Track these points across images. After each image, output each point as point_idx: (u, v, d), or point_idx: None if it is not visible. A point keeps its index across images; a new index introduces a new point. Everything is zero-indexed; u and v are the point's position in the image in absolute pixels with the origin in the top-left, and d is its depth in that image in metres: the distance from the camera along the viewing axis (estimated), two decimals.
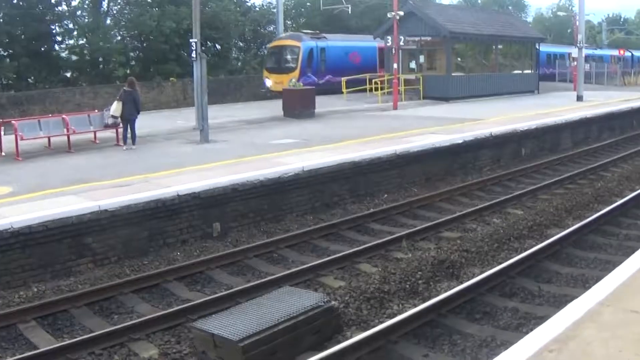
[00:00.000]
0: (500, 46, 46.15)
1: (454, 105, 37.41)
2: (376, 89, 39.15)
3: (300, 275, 13.00)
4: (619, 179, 21.20)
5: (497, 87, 43.70)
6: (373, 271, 13.00)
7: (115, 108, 22.37)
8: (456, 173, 22.49)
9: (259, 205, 16.83)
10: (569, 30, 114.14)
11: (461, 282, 12.11)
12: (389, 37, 36.18)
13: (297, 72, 43.06)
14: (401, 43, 35.80)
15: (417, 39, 41.26)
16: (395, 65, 35.93)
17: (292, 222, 17.09)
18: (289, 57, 44.48)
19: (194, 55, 23.63)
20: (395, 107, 34.87)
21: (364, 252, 14.20)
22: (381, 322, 10.40)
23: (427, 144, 21.39)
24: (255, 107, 35.66)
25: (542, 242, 14.15)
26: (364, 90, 40.67)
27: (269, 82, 44.73)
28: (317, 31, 49.56)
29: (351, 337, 9.85)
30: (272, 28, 58.44)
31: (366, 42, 47.46)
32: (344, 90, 40.47)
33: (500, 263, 12.92)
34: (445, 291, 11.57)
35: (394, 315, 10.76)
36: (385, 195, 19.55)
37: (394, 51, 35.94)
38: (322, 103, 35.45)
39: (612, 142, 30.74)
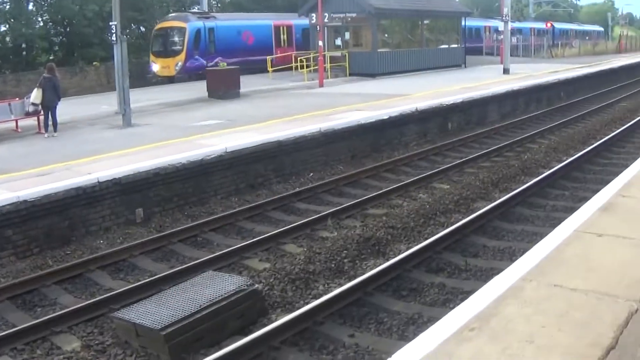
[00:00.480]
0: (426, 21, 46.11)
1: (380, 82, 37.33)
2: (302, 67, 38.77)
3: (224, 259, 12.70)
4: (545, 150, 21.27)
5: (424, 62, 43.82)
6: (298, 251, 12.76)
7: (35, 95, 21.73)
8: (382, 149, 22.34)
9: (182, 189, 16.49)
10: (496, 4, 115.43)
11: (387, 259, 11.96)
12: (314, 15, 35.77)
13: (183, 55, 41.55)
14: (325, 20, 35.41)
15: (342, 15, 40.97)
16: (320, 43, 35.61)
17: (216, 205, 16.77)
18: (175, 39, 42.41)
19: (114, 38, 23.07)
20: (321, 85, 34.62)
21: (289, 233, 13.95)
22: (306, 304, 10.21)
23: (353, 121, 21.21)
24: (179, 89, 35.00)
25: (468, 215, 14.10)
26: (290, 69, 40.30)
27: (155, 67, 42.23)
28: (207, 10, 49.03)
29: (276, 319, 9.68)
30: (197, 8, 57.48)
31: (261, 20, 47.08)
32: (269, 69, 40.05)
33: (427, 238, 12.81)
34: (372, 269, 11.42)
35: (320, 295, 10.57)
36: (311, 174, 19.33)
37: (318, 28, 35.53)
38: (247, 83, 35.02)
39: (540, 114, 30.91)
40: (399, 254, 12.15)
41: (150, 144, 18.64)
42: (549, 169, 18.24)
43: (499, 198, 15.49)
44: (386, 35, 43.35)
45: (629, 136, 24.20)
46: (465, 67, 47.76)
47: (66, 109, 24.15)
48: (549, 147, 21.90)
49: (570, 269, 7.25)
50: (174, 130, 21.07)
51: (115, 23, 22.88)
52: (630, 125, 25.80)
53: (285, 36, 47.45)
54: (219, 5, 70.46)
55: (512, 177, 17.88)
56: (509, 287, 6.74)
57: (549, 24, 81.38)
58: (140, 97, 30.25)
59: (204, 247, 14.02)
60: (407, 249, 12.39)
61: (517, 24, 77.34)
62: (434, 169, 19.36)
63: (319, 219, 14.65)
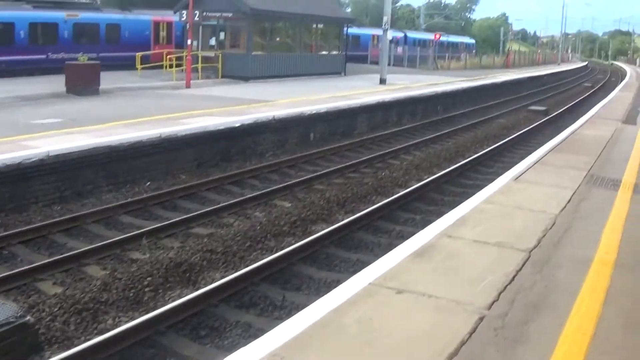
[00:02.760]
0: (305, 26, 45.00)
1: (251, 86, 36.13)
2: (170, 66, 37.32)
3: (16, 279, 11.29)
4: (407, 167, 20.38)
5: (302, 67, 42.84)
6: (99, 275, 11.43)
7: None
8: (234, 159, 21.12)
9: None
10: None
11: (196, 289, 10.77)
12: (184, 12, 34.37)
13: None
14: (196, 18, 34.06)
15: (218, 14, 39.66)
16: (189, 42, 34.23)
17: (36, 214, 15.24)
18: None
19: None
20: (187, 86, 33.26)
21: (98, 252, 12.52)
22: (87, 340, 8.95)
23: (199, 127, 19.89)
24: (43, 81, 33.00)
25: (301, 240, 13.05)
26: (162, 67, 38.82)
27: None
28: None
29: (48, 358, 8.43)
30: None
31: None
32: (138, 66, 38.46)
33: (248, 265, 11.65)
34: (174, 301, 10.22)
35: (106, 331, 9.30)
36: (149, 183, 17.95)
37: (188, 26, 34.16)
38: (114, 79, 33.66)
39: (411, 128, 30.26)
40: (211, 283, 10.99)
41: None
42: (405, 189, 17.38)
43: (342, 220, 14.50)
44: (263, 37, 42.01)
45: (500, 155, 23.59)
46: (345, 75, 47.03)
47: None
48: (411, 164, 21.01)
49: (345, 342, 6.09)
50: (10, 127, 19.37)
51: None
52: (503, 144, 25.29)
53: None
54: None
55: (363, 197, 16.86)
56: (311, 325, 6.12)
57: (437, 36, 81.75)
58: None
59: (6, 263, 12.57)
60: (222, 277, 11.23)
61: (413, 35, 77.63)
62: (281, 183, 18.27)
63: (135, 237, 13.33)
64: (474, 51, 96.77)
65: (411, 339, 6.19)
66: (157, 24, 45.35)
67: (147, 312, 9.86)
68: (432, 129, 30.40)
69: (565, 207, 11.45)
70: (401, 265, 8.09)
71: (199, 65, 37.77)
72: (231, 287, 10.60)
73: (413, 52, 71.09)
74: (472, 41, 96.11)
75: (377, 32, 67.33)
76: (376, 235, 14.02)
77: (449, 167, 20.14)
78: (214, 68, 38.96)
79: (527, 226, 10.04)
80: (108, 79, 32.14)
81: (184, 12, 34.29)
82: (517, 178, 13.87)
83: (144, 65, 38.43)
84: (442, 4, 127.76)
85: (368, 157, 22.34)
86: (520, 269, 8.13)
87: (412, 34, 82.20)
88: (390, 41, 47.05)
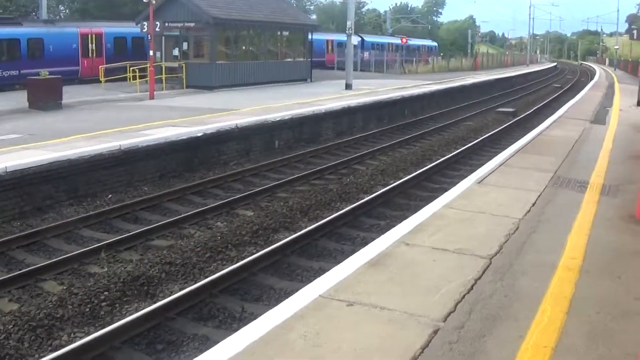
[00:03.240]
0: (269, 33, 44.85)
1: (215, 95, 35.93)
2: (134, 78, 37.09)
3: None
4: (372, 172, 20.27)
5: (266, 75, 42.67)
6: (56, 291, 11.25)
7: None
8: (197, 169, 20.96)
9: None
10: (355, 19, 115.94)
11: (155, 302, 10.64)
12: (145, 23, 34.12)
13: None
14: (157, 29, 33.85)
15: (180, 25, 39.44)
16: (151, 53, 33.99)
17: None
18: None
19: None
20: (151, 97, 33.02)
21: (55, 267, 12.35)
22: (40, 358, 8.83)
23: (160, 138, 19.71)
24: (6, 98, 32.51)
25: (262, 249, 12.94)
26: (125, 79, 38.52)
27: None
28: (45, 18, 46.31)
29: None
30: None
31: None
32: (101, 79, 38.20)
33: (208, 277, 11.53)
34: (130, 315, 10.10)
35: (60, 347, 9.15)
36: (110, 196, 17.75)
37: (149, 37, 33.94)
38: (78, 93, 33.57)
39: (377, 132, 30.12)
40: (169, 295, 10.87)
41: None
42: (370, 194, 17.28)
43: (305, 228, 14.39)
44: (227, 46, 41.82)
45: (467, 158, 23.42)
46: (311, 81, 46.94)
47: None
48: (377, 169, 20.92)
49: (289, 359, 5.92)
50: None
51: None
52: (470, 146, 25.18)
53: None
54: (67, 12, 67.95)
55: (327, 204, 16.74)
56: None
57: (404, 40, 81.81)
58: None
59: None
60: (180, 289, 11.10)
61: (371, 38, 77.62)
62: (244, 192, 18.14)
63: (94, 251, 13.17)
64: (437, 54, 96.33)
65: (360, 355, 5.98)
66: (85, 37, 42.70)
67: (103, 327, 9.72)
68: (399, 133, 30.33)
69: (529, 210, 11.22)
70: (355, 276, 7.83)
71: (163, 76, 37.55)
72: (189, 299, 10.46)
73: (378, 57, 71.07)
74: (434, 44, 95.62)
75: (333, 37, 67.72)
76: (339, 242, 13.87)
77: (415, 172, 20.02)
78: (179, 78, 38.75)
79: (489, 232, 9.76)
80: (72, 92, 32.01)
81: (145, 23, 34.00)
82: (480, 181, 13.59)
83: (107, 78, 38.20)
84: (409, 8, 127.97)
85: (333, 163, 22.20)
86: (480, 276, 7.87)
87: (370, 38, 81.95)
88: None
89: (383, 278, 7.77)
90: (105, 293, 10.83)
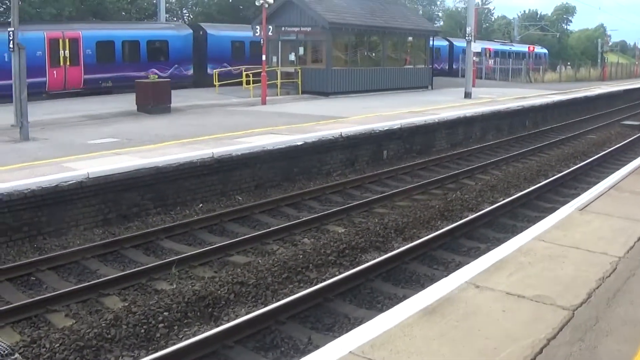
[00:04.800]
0: (388, 39, 43.76)
1: (329, 101, 35.09)
2: (248, 83, 36.67)
3: (25, 311, 10.52)
4: (481, 188, 18.92)
5: (385, 82, 41.59)
6: (115, 308, 10.51)
7: None
8: (296, 178, 20.06)
9: (34, 218, 14.28)
10: (484, 26, 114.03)
11: (218, 326, 9.78)
12: (258, 27, 33.57)
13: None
14: (270, 33, 33.26)
15: (296, 29, 38.82)
16: (263, 57, 33.44)
17: (76, 237, 14.53)
18: None
19: (11, 45, 20.87)
20: (263, 102, 32.43)
21: (121, 281, 11.70)
22: None
23: (257, 146, 18.87)
24: (117, 100, 32.64)
25: (345, 271, 11.90)
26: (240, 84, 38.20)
27: None
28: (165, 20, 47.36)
29: None
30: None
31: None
32: (215, 83, 37.96)
33: (279, 300, 10.58)
34: (187, 339, 9.26)
35: None
36: (201, 205, 17.06)
37: (262, 42, 33.39)
38: (190, 97, 33.39)
39: (494, 144, 28.65)
40: (234, 319, 9.98)
41: (20, 164, 16.46)
42: (475, 213, 16.02)
43: (396, 249, 13.24)
44: (344, 52, 40.92)
45: (585, 174, 21.75)
46: (432, 88, 45.60)
47: None
48: (487, 184, 19.56)
49: None
50: (64, 148, 18.85)
51: (13, 29, 20.64)
52: (589, 162, 23.48)
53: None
54: (190, 16, 68.67)
55: (426, 222, 15.50)
56: None
57: (531, 48, 79.23)
58: (69, 107, 29.07)
59: (31, 290, 11.87)
60: (247, 313, 10.20)
61: (497, 46, 75.38)
62: (339, 206, 17.17)
63: (164, 265, 12.43)
64: (546, 62, 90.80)
65: None
66: (53, 42, 35.52)
67: (154, 351, 8.92)
68: (517, 146, 28.76)
69: (633, 246, 9.37)
70: (401, 327, 6.47)
71: (278, 81, 36.98)
72: (252, 325, 9.52)
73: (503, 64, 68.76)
74: (544, 50, 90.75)
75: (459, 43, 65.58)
76: (431, 267, 12.68)
77: (527, 188, 18.57)
78: (294, 84, 38.11)
79: (579, 273, 8.17)
80: (185, 96, 31.87)
81: (258, 27, 33.42)
82: (583, 208, 11.71)
83: (221, 83, 37.94)
84: (538, 15, 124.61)
85: (441, 176, 20.93)
86: (555, 335, 6.39)
87: (508, 47, 79.28)
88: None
89: (434, 332, 6.41)
90: (165, 313, 10.01)
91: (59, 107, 29.46)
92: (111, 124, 24.56)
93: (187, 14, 69.76)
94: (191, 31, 43.20)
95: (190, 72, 42.42)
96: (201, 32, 43.84)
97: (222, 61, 42.40)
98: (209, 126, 23.47)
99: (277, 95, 36.19)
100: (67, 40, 35.62)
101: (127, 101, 30.04)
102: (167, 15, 60.20)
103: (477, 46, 43.11)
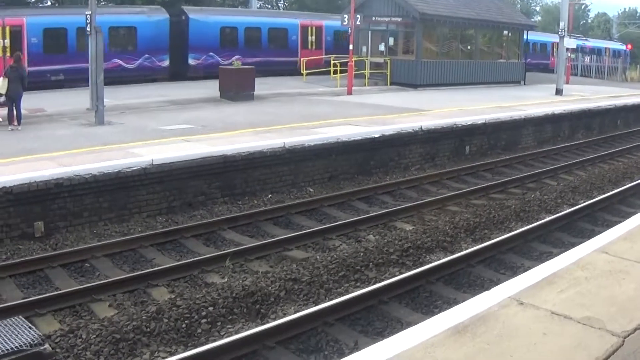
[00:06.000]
0: (480, 31, 42.67)
1: (417, 94, 34.28)
2: (335, 72, 36.17)
3: (69, 299, 10.31)
4: (562, 189, 18.08)
5: (475, 75, 40.51)
6: (162, 300, 10.16)
7: (1, 85, 19.79)
8: (372, 172, 19.50)
9: (95, 203, 14.10)
10: (581, 22, 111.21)
11: (265, 323, 9.34)
12: (346, 16, 32.92)
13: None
14: (358, 22, 32.60)
15: (387, 19, 38.11)
16: (350, 47, 32.84)
17: (137, 224, 14.38)
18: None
19: (88, 29, 20.79)
20: (349, 93, 31.83)
21: (172, 272, 11.39)
22: None
23: (331, 137, 18.37)
24: (203, 86, 32.51)
25: (408, 271, 11.34)
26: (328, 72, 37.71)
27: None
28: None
29: None
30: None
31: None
32: (303, 71, 37.56)
33: (332, 300, 10.06)
34: (229, 336, 8.85)
35: None
36: (270, 195, 16.69)
37: (350, 31, 32.77)
38: (276, 84, 33.13)
39: (582, 143, 27.55)
40: (283, 317, 9.53)
41: (88, 148, 16.34)
42: (553, 215, 15.22)
43: (464, 249, 12.63)
44: (435, 43, 39.99)
45: None
46: (524, 84, 44.32)
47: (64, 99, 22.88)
48: (569, 185, 18.72)
49: None
50: (136, 133, 18.72)
51: (90, 13, 20.54)
52: None
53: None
54: (285, 4, 68.55)
55: (499, 223, 14.83)
56: None
57: (629, 46, 76.48)
58: (152, 93, 29.07)
59: (83, 277, 11.73)
60: (296, 312, 9.73)
61: (593, 43, 72.95)
62: (413, 202, 16.58)
63: (218, 258, 12.04)
64: (625, 59, 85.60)
65: None
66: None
67: (194, 347, 8.56)
68: (605, 146, 27.56)
69: None
70: (424, 347, 5.67)
71: (366, 72, 36.40)
72: (299, 325, 9.06)
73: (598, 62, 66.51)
74: (622, 47, 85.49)
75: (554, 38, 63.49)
76: (498, 271, 12.01)
77: (610, 191, 17.66)
78: (383, 75, 37.45)
79: (638, 294, 7.06)
80: (272, 84, 32.40)
81: (346, 16, 32.79)
82: None
83: (309, 71, 37.50)
84: (638, 14, 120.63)
85: (522, 175, 20.17)
86: None
87: (604, 44, 76.47)
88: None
89: (458, 355, 5.53)
90: (210, 308, 9.61)
91: (145, 92, 29.46)
92: (191, 110, 24.37)
93: (282, 3, 69.63)
94: (167, 16, 36.79)
95: (166, 63, 36.39)
96: (183, 17, 37.83)
97: (208, 50, 37.95)
98: (287, 115, 23.10)
99: (365, 85, 35.62)
100: (7, 28, 30.55)
101: (214, 87, 29.79)
102: (261, 3, 60.15)
103: (571, 42, 41.51)
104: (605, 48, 73.76)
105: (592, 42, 73.93)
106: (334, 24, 41.51)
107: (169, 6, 39.49)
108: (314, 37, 42.72)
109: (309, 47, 42.40)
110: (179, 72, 36.75)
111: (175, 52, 36.62)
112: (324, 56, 41.22)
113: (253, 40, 39.19)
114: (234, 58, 34.25)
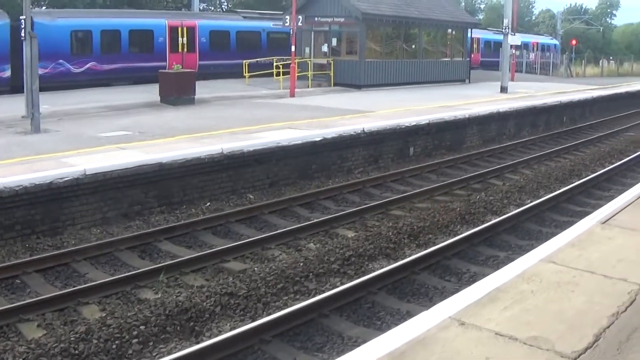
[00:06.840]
0: (424, 30, 42.59)
1: (360, 94, 34.08)
2: (278, 74, 35.86)
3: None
4: (508, 189, 17.95)
5: (420, 75, 40.55)
6: (92, 319, 9.71)
7: None
8: (314, 176, 19.16)
9: (27, 216, 13.60)
10: (526, 19, 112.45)
11: (197, 343, 8.96)
12: (287, 17, 32.65)
13: None
14: (300, 24, 32.33)
15: (329, 20, 37.87)
16: (293, 48, 32.57)
17: (71, 237, 13.85)
18: None
19: (23, 34, 20.24)
20: (292, 95, 31.53)
21: (102, 288, 10.89)
22: None
23: (271, 142, 18.00)
24: (142, 90, 31.93)
25: (350, 281, 11.00)
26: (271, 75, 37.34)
27: None
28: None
29: None
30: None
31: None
32: (245, 74, 37.14)
33: (270, 314, 9.68)
34: (162, 356, 8.48)
35: None
36: (209, 204, 16.27)
37: (292, 32, 32.50)
38: (218, 87, 32.70)
39: (528, 141, 27.63)
40: (217, 335, 9.15)
41: (21, 158, 15.81)
42: (499, 216, 15.03)
43: (408, 256, 12.33)
44: (378, 43, 39.82)
45: (620, 175, 20.70)
46: (469, 82, 44.43)
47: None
48: (515, 184, 18.58)
49: None
50: (71, 141, 18.15)
51: (24, 17, 20.00)
52: (627, 161, 22.40)
53: None
54: (229, 5, 68.12)
55: (444, 227, 14.57)
56: None
57: (574, 42, 77.26)
58: (91, 98, 28.54)
59: (14, 294, 11.19)
60: (232, 329, 9.37)
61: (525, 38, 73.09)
62: (354, 207, 16.29)
63: (152, 272, 11.64)
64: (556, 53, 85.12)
65: None
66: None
67: None
68: (552, 143, 27.62)
69: None
70: None
71: (309, 73, 36.14)
72: (232, 345, 8.66)
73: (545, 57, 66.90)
74: (554, 42, 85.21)
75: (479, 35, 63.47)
76: (443, 278, 11.72)
77: (557, 190, 17.53)
78: (327, 76, 37.22)
79: (589, 306, 6.70)
80: (215, 87, 31.98)
81: (288, 17, 32.50)
82: (606, 221, 10.09)
83: (251, 74, 37.10)
84: (582, 9, 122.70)
85: (467, 175, 19.93)
86: None
87: (531, 38, 76.63)
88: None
89: None
90: (142, 327, 9.21)
91: (87, 97, 28.88)
92: (130, 115, 23.86)
93: (225, 3, 69.09)
94: (7, 20, 32.25)
95: (7, 74, 32.01)
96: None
97: (57, 58, 33.48)
98: (228, 119, 22.68)
99: (309, 87, 35.43)
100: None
101: (152, 92, 29.29)
102: (204, 5, 59.46)
103: (516, 39, 41.66)
104: (532, 43, 73.56)
105: (528, 38, 74.09)
106: (211, 24, 40.49)
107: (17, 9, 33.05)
108: (185, 39, 39.16)
109: (180, 50, 38.98)
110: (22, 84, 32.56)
111: (18, 61, 27.89)
112: (198, 61, 38.90)
113: (111, 45, 35.78)
114: (87, 65, 33.03)
